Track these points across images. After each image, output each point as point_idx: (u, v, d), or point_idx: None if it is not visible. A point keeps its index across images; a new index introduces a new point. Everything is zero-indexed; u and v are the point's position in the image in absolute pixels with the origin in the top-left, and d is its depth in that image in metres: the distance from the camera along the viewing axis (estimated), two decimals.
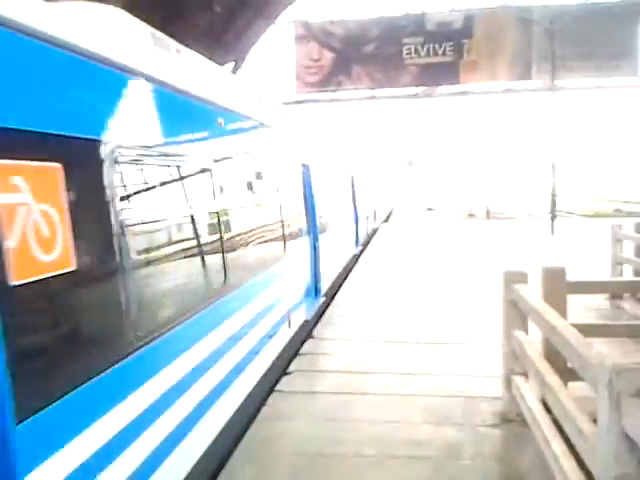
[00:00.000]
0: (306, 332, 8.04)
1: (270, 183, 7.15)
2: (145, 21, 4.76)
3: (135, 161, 3.72)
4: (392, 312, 9.45)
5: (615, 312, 9.07)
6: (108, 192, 3.28)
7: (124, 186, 3.54)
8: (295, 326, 7.52)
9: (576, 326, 3.85)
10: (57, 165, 2.81)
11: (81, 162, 3.13)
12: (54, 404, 2.63)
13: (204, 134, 5.13)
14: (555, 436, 3.82)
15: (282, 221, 7.39)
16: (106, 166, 3.27)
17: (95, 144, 3.21)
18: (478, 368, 6.53)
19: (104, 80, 3.48)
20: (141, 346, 3.43)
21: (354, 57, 40.98)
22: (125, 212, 3.43)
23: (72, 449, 2.75)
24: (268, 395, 5.86)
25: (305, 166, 9.36)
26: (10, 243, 2.46)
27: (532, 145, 37.00)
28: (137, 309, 3.44)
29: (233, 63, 43.60)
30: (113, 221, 3.28)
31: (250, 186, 6.32)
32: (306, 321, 8.20)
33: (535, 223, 27.00)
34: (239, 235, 5.57)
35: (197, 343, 4.28)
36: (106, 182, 3.26)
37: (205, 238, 4.80)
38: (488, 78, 41.22)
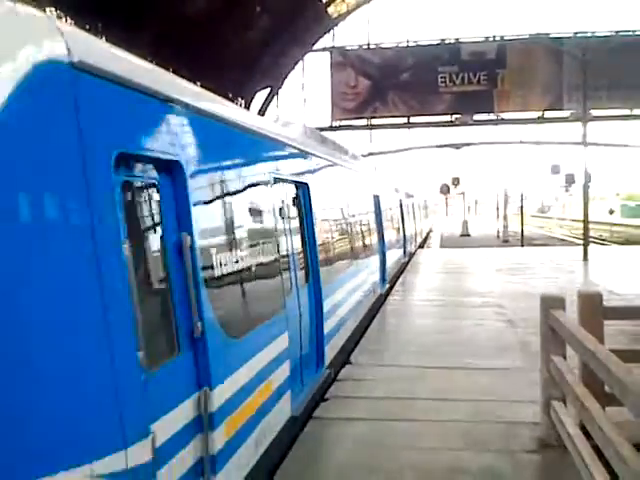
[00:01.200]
0: (380, 302, 12.53)
1: (365, 209, 12.11)
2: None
3: (325, 194, 8.21)
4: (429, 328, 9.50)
5: None
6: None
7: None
8: (376, 295, 12.27)
9: (613, 351, 3.88)
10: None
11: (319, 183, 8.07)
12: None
13: (348, 182, 10.74)
14: (595, 462, 3.83)
15: (370, 232, 12.31)
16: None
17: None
18: (516, 393, 6.53)
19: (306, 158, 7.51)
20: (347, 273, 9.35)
21: (390, 84, 41.33)
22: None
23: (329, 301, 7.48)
24: (306, 422, 5.87)
25: (376, 196, 13.87)
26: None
27: (565, 174, 36.65)
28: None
29: (269, 89, 44.26)
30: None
31: (359, 211, 11.25)
32: (380, 294, 12.88)
33: (568, 249, 26.74)
34: (357, 237, 10.62)
35: (353, 279, 9.76)
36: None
37: (344, 240, 9.48)
38: (521, 107, 41.25)
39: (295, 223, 6.53)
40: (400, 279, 16.38)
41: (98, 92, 2.84)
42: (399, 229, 18.98)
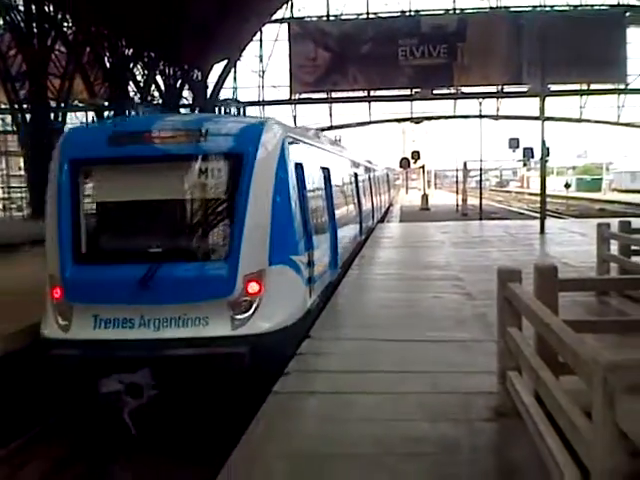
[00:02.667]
0: (359, 249, 17.14)
1: (351, 182, 17.30)
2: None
3: (344, 174, 15.93)
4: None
5: (602, 307, 9.28)
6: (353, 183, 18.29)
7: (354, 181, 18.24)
8: (357, 241, 17.13)
9: (567, 322, 3.96)
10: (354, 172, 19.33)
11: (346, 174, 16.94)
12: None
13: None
14: (549, 430, 3.92)
15: (353, 199, 17.29)
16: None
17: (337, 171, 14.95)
18: (473, 364, 6.64)
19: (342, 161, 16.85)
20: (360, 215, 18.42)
21: (350, 57, 41.12)
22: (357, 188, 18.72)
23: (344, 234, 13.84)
24: (265, 396, 5.93)
25: (355, 174, 18.67)
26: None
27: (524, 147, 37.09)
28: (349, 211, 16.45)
29: (226, 61, 43.60)
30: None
31: (348, 183, 16.60)
32: (358, 242, 17.41)
33: (525, 223, 27.19)
34: (348, 199, 16.20)
35: (347, 226, 15.25)
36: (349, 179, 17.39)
37: (348, 201, 16.17)
38: (481, 81, 41.52)
39: (327, 188, 11.92)
40: (360, 252, 16.48)
41: (293, 144, 8.83)
42: (370, 200, 24.15)
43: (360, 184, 19.65)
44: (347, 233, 14.81)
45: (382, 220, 31.69)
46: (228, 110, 12.74)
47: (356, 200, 17.84)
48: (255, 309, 7.29)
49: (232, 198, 7.54)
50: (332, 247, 11.66)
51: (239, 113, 13.85)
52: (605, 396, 2.72)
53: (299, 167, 8.98)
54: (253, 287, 7.33)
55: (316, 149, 11.85)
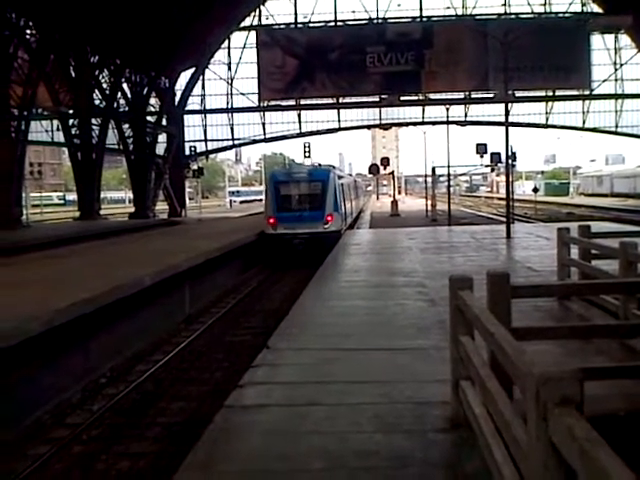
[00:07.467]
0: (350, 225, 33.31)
1: (346, 187, 33.35)
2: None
3: (351, 187, 38.34)
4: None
5: (563, 313, 9.28)
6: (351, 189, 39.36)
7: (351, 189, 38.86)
8: (353, 216, 36.28)
9: (519, 330, 3.90)
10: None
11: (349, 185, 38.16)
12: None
13: (351, 182, 41.41)
14: (497, 441, 3.86)
15: (350, 195, 35.52)
16: (349, 185, 38.00)
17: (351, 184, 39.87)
18: (432, 373, 6.57)
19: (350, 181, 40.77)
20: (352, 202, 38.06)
21: (318, 64, 41.16)
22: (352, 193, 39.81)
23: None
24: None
25: (348, 183, 35.27)
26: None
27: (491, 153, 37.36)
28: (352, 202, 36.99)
29: (194, 68, 43.34)
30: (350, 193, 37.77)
31: (351, 190, 37.30)
32: (353, 217, 36.60)
33: (493, 227, 27.39)
34: (352, 199, 37.60)
35: (354, 202, 39.48)
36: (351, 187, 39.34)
37: (351, 199, 36.50)
38: (448, 87, 41.84)
39: (343, 190, 29.15)
40: (328, 258, 16.50)
41: (337, 176, 28.55)
42: (354, 200, 37.57)
43: (351, 188, 36.69)
44: (349, 210, 31.52)
45: (352, 226, 32.08)
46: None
47: (352, 196, 35.80)
48: (330, 224, 25.12)
49: (323, 193, 25.55)
50: (346, 214, 28.26)
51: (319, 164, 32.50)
52: (538, 409, 2.66)
53: (338, 183, 26.90)
54: (328, 218, 25.19)
55: (339, 175, 29.80)
